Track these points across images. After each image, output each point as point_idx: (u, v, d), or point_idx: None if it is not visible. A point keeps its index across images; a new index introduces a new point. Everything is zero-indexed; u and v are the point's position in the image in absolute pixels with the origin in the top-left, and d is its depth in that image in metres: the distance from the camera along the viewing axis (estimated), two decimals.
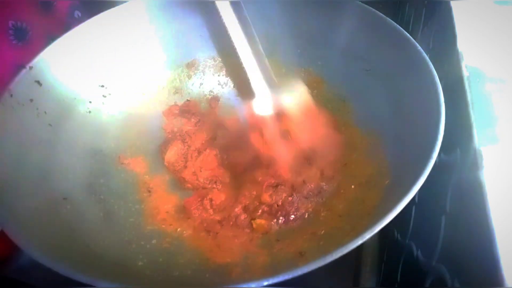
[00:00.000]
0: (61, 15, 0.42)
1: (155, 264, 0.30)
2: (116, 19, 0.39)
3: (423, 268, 0.27)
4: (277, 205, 0.34)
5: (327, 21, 0.39)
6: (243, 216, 0.34)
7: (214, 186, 0.38)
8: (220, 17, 0.33)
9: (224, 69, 0.45)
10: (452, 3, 0.33)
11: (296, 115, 0.35)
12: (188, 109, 0.43)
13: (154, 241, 0.33)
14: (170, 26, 0.42)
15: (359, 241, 0.22)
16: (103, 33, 0.38)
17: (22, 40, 0.36)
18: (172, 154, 0.39)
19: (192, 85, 0.45)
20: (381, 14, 0.35)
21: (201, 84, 0.45)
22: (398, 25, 0.34)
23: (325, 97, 0.41)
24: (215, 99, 0.45)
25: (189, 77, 0.45)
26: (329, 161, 0.36)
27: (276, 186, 0.35)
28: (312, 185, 0.35)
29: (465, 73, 0.28)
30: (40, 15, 0.39)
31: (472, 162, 0.24)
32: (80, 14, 0.44)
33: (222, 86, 0.45)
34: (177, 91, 0.44)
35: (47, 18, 0.40)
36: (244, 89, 0.38)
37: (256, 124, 0.35)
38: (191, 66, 0.44)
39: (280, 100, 0.35)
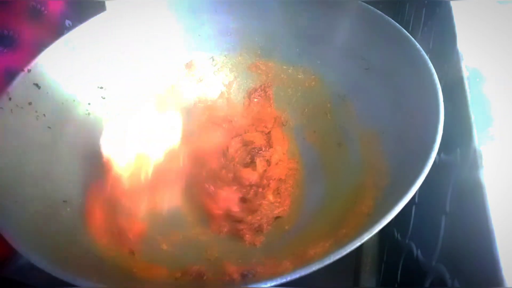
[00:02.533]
0: (52, 23, 0.42)
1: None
2: (113, 21, 0.39)
3: (423, 268, 0.27)
4: None
5: (327, 20, 0.39)
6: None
7: None
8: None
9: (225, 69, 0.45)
10: (452, 3, 0.33)
11: None
12: None
13: None
14: (169, 26, 0.42)
15: (359, 242, 0.22)
16: (100, 35, 0.38)
17: (9, 47, 0.36)
18: None
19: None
20: (380, 12, 0.35)
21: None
22: (398, 24, 0.34)
23: (324, 96, 0.41)
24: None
25: (188, 77, 0.45)
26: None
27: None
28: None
29: (465, 73, 0.28)
30: (29, 22, 0.39)
31: (472, 162, 0.23)
32: (71, 23, 0.44)
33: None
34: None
35: (37, 26, 0.40)
36: None
37: None
38: (189, 66, 0.44)
39: None
